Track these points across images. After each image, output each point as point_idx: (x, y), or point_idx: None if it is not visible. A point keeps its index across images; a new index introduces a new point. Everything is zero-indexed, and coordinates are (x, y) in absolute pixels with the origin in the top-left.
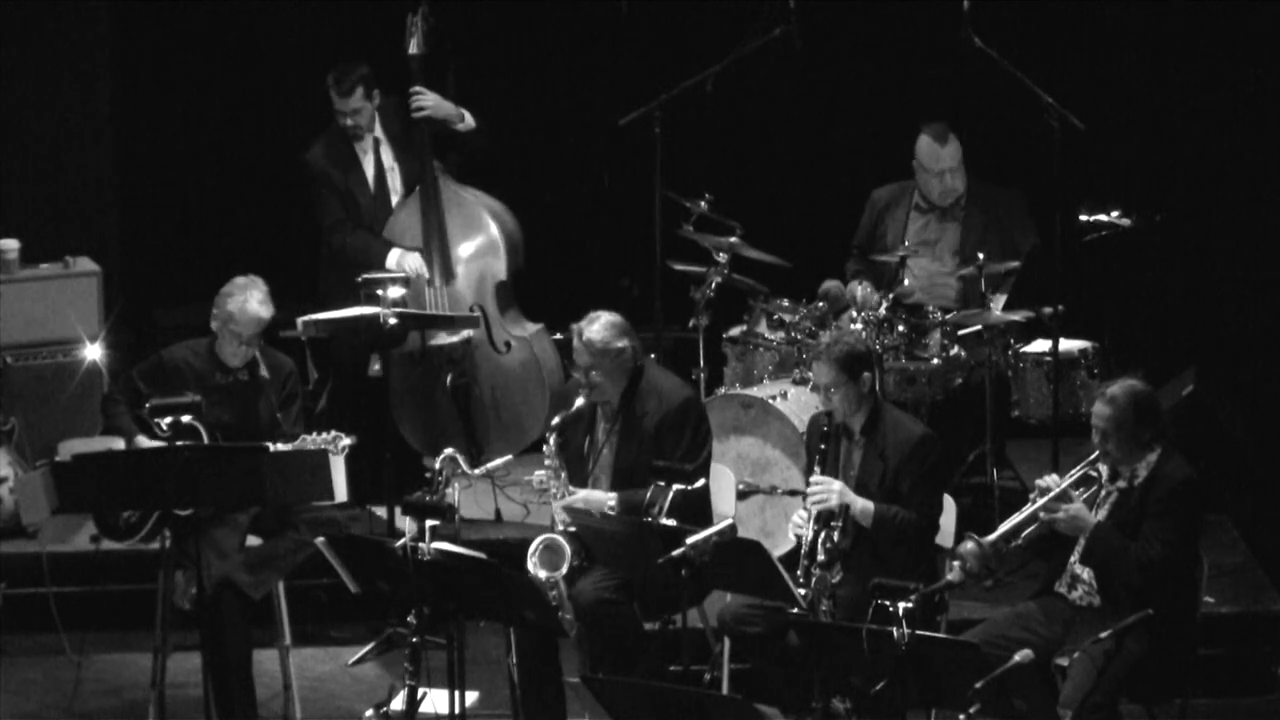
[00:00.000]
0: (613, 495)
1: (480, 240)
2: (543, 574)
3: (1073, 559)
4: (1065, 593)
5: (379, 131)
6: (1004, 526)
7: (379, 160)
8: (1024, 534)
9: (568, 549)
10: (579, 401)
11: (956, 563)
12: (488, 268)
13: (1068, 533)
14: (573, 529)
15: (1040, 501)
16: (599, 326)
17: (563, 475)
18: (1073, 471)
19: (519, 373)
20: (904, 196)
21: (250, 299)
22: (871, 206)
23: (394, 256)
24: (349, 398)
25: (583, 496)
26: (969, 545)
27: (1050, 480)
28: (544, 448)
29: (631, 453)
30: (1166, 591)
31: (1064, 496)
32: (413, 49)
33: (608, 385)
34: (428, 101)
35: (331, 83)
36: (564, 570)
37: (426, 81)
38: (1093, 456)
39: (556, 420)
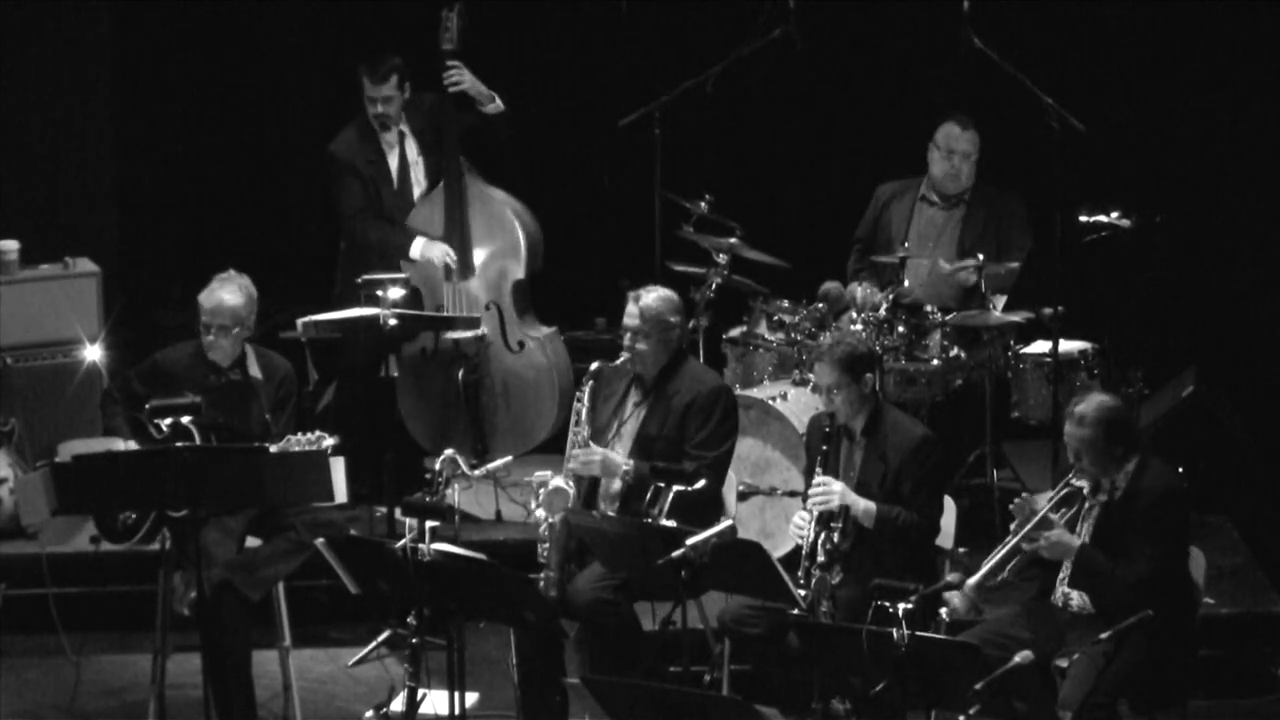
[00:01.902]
0: (629, 462)
1: (502, 240)
2: (543, 514)
3: (1062, 575)
4: (1060, 607)
5: (405, 125)
6: (987, 564)
7: (404, 153)
8: (1009, 567)
9: (571, 492)
10: (624, 357)
11: (944, 610)
12: (506, 267)
13: (1053, 559)
14: (583, 474)
15: (1020, 533)
16: (656, 296)
17: (587, 427)
18: (1051, 495)
19: (530, 374)
20: (909, 191)
21: (218, 288)
22: (876, 200)
23: (418, 246)
24: (357, 398)
25: (601, 454)
26: (955, 599)
27: (1025, 500)
28: (577, 393)
29: (656, 426)
30: (1164, 594)
31: (1044, 523)
32: (446, 45)
33: (649, 356)
34: (465, 77)
35: (365, 70)
36: (561, 515)
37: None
38: (1069, 476)
39: (595, 365)
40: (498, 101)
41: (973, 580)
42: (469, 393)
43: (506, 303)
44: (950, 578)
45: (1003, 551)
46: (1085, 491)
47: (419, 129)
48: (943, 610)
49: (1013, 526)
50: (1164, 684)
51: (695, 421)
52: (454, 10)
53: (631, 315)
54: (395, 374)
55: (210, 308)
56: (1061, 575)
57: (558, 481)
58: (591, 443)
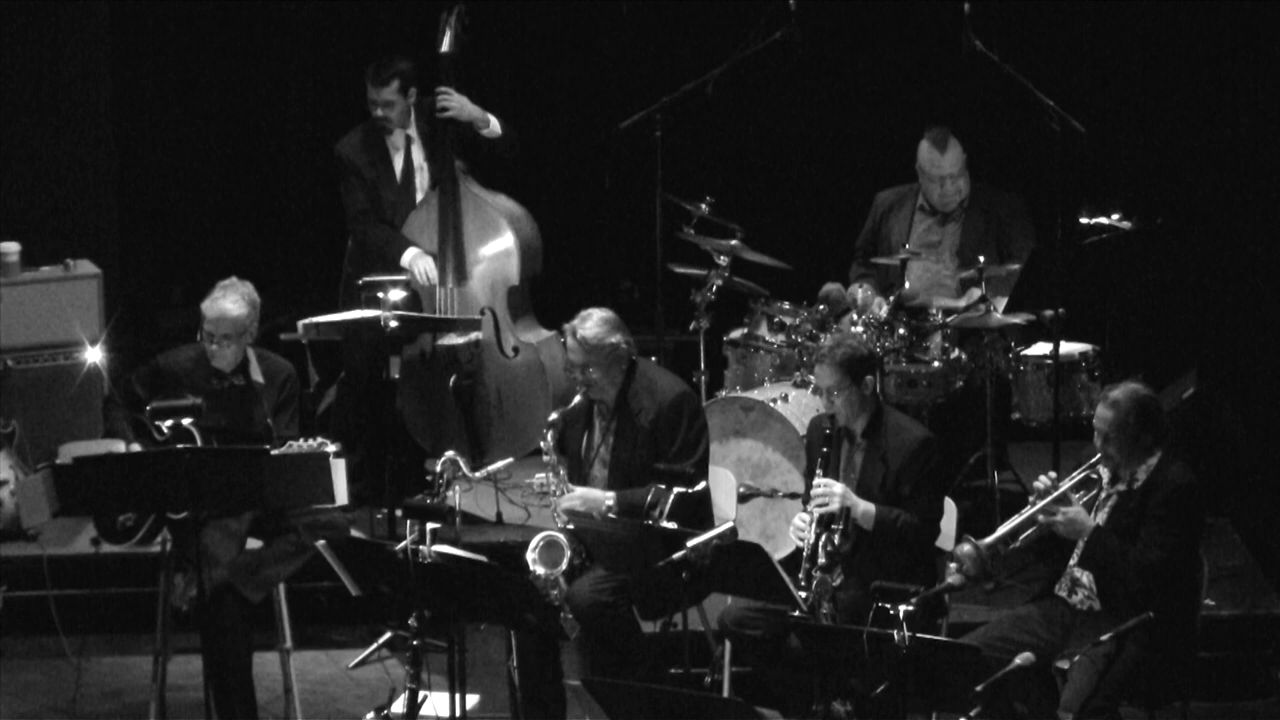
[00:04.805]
0: (610, 494)
1: (495, 244)
2: (541, 571)
3: (1072, 561)
4: (1065, 596)
5: (413, 130)
6: (1002, 529)
7: (409, 158)
8: (1022, 537)
9: (567, 547)
10: (576, 399)
11: (953, 564)
12: (501, 272)
13: (1067, 536)
14: (572, 526)
15: (1039, 504)
16: (592, 323)
17: (561, 473)
18: (1073, 474)
19: (524, 378)
20: (908, 199)
21: (221, 297)
22: (875, 209)
23: (409, 255)
24: (359, 400)
25: (581, 494)
26: (965, 548)
27: (1047, 480)
28: (542, 444)
29: (628, 450)
30: (1167, 595)
31: (1063, 499)
32: (444, 47)
33: (604, 381)
34: (453, 103)
35: (370, 73)
36: (563, 567)
37: (456, 81)
38: (1094, 459)
39: (554, 416)
40: (494, 125)
41: (985, 540)
42: (462, 398)
43: (501, 308)
44: (951, 579)
45: (1019, 519)
46: (1104, 481)
47: (426, 133)
48: (951, 565)
49: (1031, 499)
50: (1165, 684)
51: (665, 437)
52: (453, 13)
53: (574, 350)
54: (396, 376)
55: (213, 317)
56: (1072, 561)
57: (552, 535)
58: (570, 484)
